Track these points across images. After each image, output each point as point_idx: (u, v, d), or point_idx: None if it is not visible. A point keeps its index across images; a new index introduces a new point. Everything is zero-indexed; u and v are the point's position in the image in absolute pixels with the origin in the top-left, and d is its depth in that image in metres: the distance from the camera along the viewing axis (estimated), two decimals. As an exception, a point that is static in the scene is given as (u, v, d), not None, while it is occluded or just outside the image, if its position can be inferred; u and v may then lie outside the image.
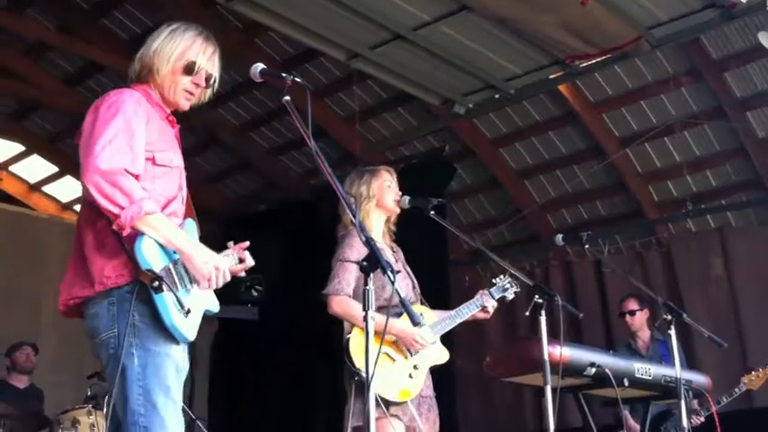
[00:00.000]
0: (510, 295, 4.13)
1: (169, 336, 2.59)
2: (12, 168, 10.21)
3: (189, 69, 2.83)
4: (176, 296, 2.52)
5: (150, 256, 2.53)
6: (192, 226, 2.85)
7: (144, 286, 2.53)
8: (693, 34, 6.33)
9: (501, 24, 6.16)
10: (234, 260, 2.88)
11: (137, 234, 2.53)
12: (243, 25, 7.48)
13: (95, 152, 2.54)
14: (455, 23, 6.19)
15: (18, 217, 9.00)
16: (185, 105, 2.89)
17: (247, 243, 2.94)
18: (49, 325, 8.03)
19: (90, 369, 6.13)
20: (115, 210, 2.50)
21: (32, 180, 10.27)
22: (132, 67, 2.86)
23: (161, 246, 2.58)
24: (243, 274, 2.93)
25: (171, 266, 2.58)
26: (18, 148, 9.85)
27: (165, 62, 2.81)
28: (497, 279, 4.16)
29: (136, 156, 2.61)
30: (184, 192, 2.87)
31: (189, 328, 2.62)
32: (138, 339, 2.55)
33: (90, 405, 5.93)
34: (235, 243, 2.93)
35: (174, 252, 2.61)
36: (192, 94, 2.87)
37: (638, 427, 5.72)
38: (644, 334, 6.30)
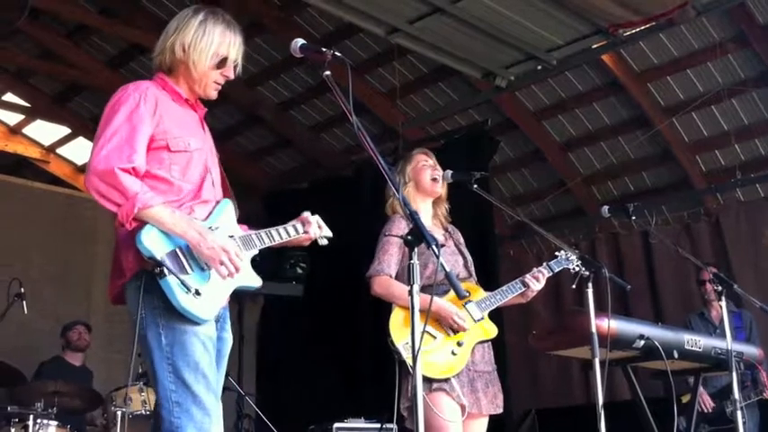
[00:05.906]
0: (574, 266, 4.01)
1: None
2: (59, 151, 10.36)
3: (222, 64, 2.90)
4: (180, 279, 2.59)
5: (151, 245, 2.60)
6: (225, 206, 2.89)
7: (153, 273, 2.61)
8: (740, -1, 6.19)
9: (542, -6, 6.08)
10: (290, 231, 3.02)
11: (141, 225, 2.61)
12: (281, 2, 7.47)
13: (93, 154, 2.65)
14: (495, -6, 6.11)
15: (67, 198, 9.12)
16: (215, 95, 2.97)
17: (307, 212, 3.12)
18: (100, 303, 8.18)
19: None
20: (113, 208, 2.62)
21: (79, 162, 10.41)
22: (160, 56, 2.89)
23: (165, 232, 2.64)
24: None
25: (178, 250, 2.64)
26: (64, 130, 9.99)
27: (202, 58, 2.86)
28: (560, 252, 4.06)
29: (134, 150, 2.66)
30: (214, 173, 2.91)
31: (202, 308, 2.65)
32: (164, 320, 2.65)
33: (141, 382, 6.04)
34: (279, 219, 2.98)
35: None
36: (219, 84, 2.95)
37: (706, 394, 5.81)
38: (718, 304, 6.28)
